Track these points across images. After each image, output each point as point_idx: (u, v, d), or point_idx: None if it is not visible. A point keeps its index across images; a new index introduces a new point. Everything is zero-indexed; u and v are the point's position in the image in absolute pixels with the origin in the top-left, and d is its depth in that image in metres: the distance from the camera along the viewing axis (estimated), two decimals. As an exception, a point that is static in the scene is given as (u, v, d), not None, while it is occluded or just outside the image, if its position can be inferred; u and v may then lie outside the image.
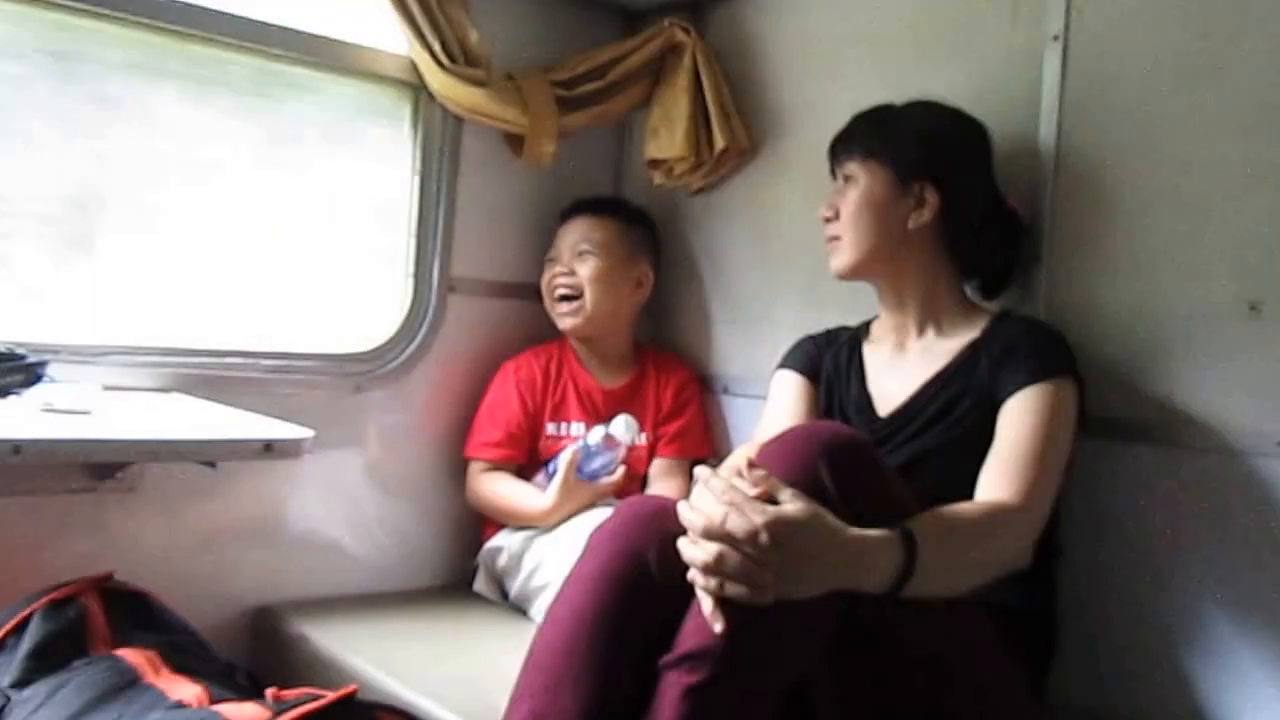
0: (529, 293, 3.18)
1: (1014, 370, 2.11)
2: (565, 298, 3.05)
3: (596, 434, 2.77)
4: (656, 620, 1.74)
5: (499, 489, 2.94)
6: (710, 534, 1.62)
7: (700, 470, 1.75)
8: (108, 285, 2.65)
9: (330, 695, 1.50)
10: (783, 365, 2.52)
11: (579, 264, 3.04)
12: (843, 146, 2.40)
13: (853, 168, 2.36)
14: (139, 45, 2.64)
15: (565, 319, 3.06)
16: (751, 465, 1.69)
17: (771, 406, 2.46)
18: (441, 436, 3.10)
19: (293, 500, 2.87)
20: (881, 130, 2.36)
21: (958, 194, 2.31)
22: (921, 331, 2.36)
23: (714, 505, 1.64)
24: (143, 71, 2.66)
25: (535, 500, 2.83)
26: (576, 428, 3.02)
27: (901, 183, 2.30)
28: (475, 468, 3.02)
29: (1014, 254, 2.40)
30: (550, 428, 3.04)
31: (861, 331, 2.49)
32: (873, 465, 1.79)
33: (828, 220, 2.40)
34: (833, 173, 2.44)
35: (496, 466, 3.00)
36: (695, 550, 1.64)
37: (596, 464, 2.76)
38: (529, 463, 3.02)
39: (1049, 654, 2.20)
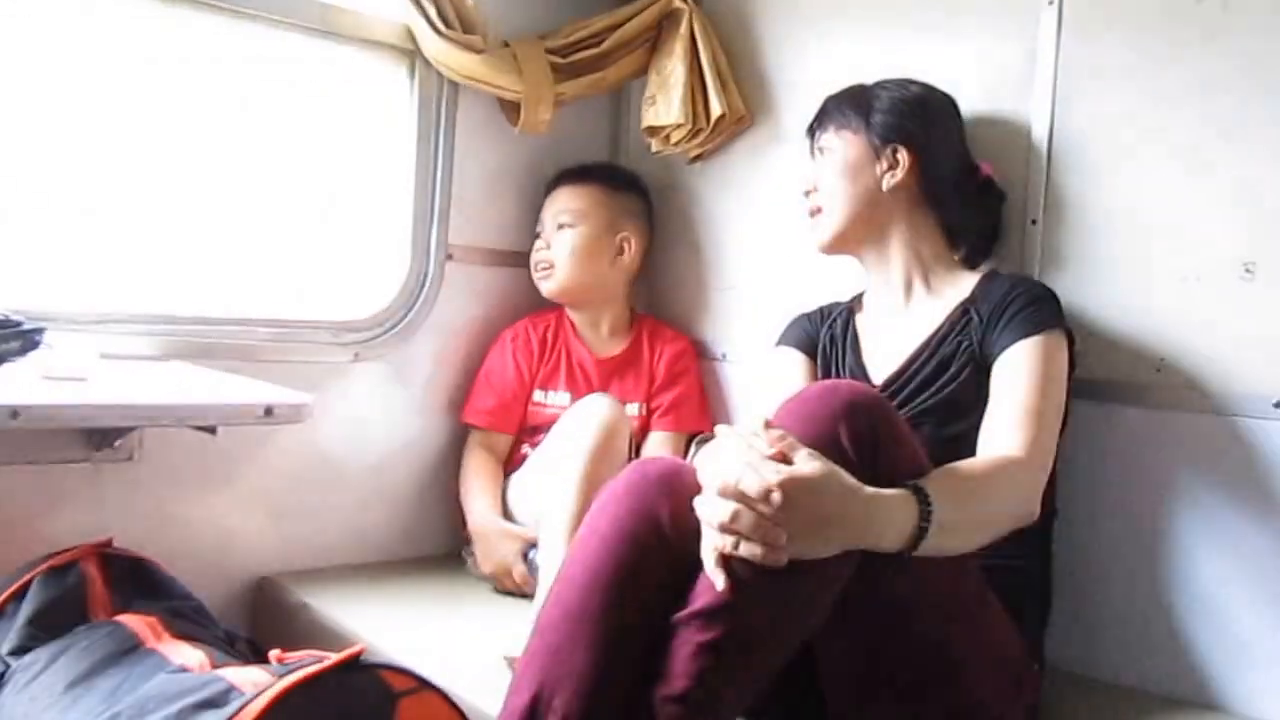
0: (527, 261, 3.17)
1: (1005, 327, 2.13)
2: (540, 265, 3.08)
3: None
4: (669, 578, 1.74)
5: (471, 483, 2.95)
6: (725, 492, 1.62)
7: (720, 428, 1.77)
8: (104, 251, 2.65)
9: (337, 657, 1.50)
10: (780, 343, 2.54)
11: (556, 236, 3.06)
12: (817, 124, 2.50)
13: (827, 139, 2.44)
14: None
15: (541, 284, 3.09)
16: (768, 425, 1.69)
17: (772, 384, 2.46)
18: (440, 405, 3.11)
19: (291, 469, 2.86)
20: (852, 103, 2.44)
21: (930, 154, 2.37)
22: (910, 295, 2.38)
23: (730, 463, 1.64)
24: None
25: (484, 516, 2.86)
26: (562, 397, 3.02)
27: (874, 147, 2.37)
28: (473, 438, 3.03)
29: (994, 219, 2.45)
30: (538, 394, 3.05)
31: (854, 304, 2.51)
32: (890, 424, 1.78)
33: (808, 194, 2.47)
34: (811, 155, 2.51)
35: (489, 435, 3.01)
36: (710, 508, 1.65)
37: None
38: (519, 430, 3.04)
39: (1044, 614, 2.21)
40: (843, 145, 2.40)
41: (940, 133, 2.41)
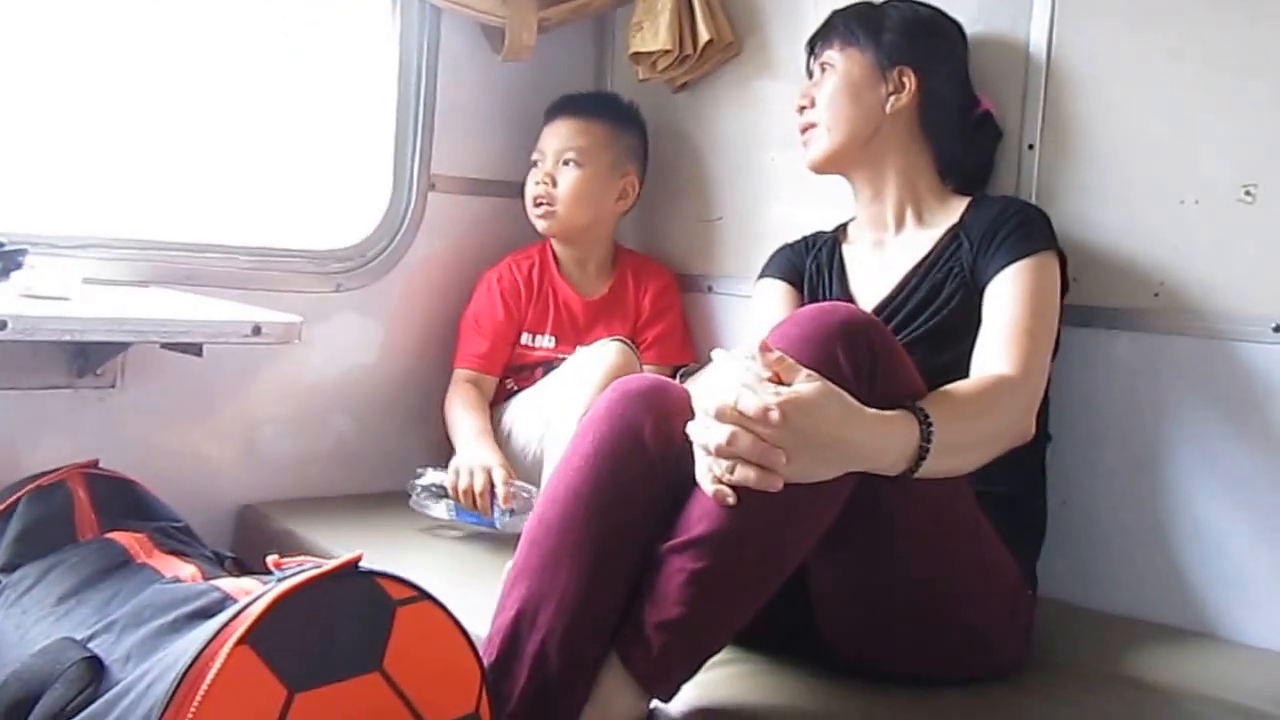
0: (510, 190, 3.14)
1: (997, 250, 2.12)
2: (541, 203, 3.00)
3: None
4: (654, 495, 1.73)
5: (458, 411, 2.91)
6: (722, 414, 1.59)
7: (716, 352, 1.74)
8: (85, 175, 2.63)
9: (334, 563, 1.48)
10: (764, 275, 2.51)
11: (560, 172, 2.98)
12: (821, 37, 2.42)
13: (831, 55, 2.37)
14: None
15: (539, 220, 3.02)
16: (765, 348, 1.65)
17: (760, 316, 2.43)
18: (424, 336, 3.10)
19: (274, 399, 2.86)
20: (861, 20, 2.37)
21: (936, 81, 2.33)
22: (900, 225, 2.36)
23: (726, 386, 1.61)
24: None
25: (476, 428, 2.83)
26: (548, 340, 3.02)
27: (880, 68, 2.32)
28: (459, 376, 2.99)
29: (986, 157, 2.42)
30: (525, 337, 3.03)
31: (839, 233, 2.48)
32: (888, 346, 1.76)
33: (803, 109, 2.41)
34: (808, 70, 2.47)
35: (477, 378, 2.99)
36: (705, 432, 1.63)
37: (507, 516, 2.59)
38: (506, 373, 3.03)
39: (1038, 541, 2.20)
40: (847, 62, 2.34)
41: (947, 60, 2.37)
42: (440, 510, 2.69)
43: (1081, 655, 2.07)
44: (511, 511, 2.54)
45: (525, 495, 2.54)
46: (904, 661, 1.90)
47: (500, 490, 2.56)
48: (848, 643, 1.92)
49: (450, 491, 2.65)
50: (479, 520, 2.61)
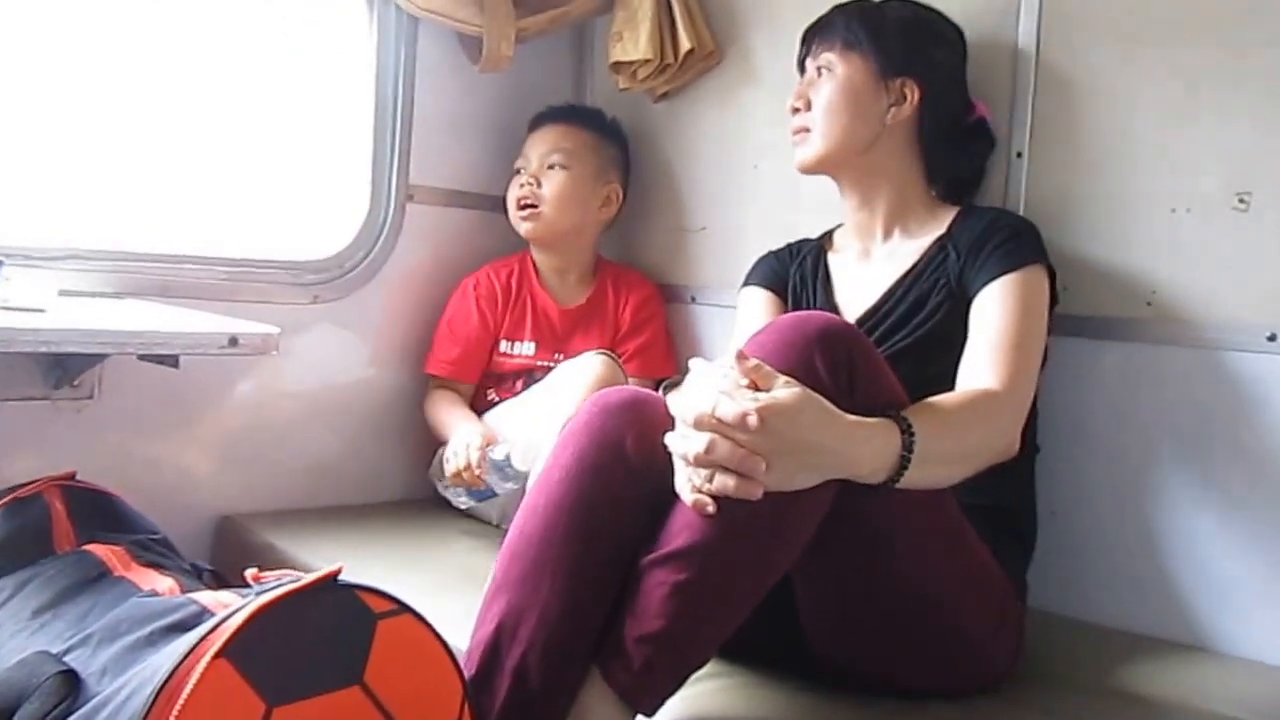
0: (489, 203, 3.15)
1: (985, 263, 2.10)
2: (526, 205, 2.99)
3: (503, 451, 2.60)
4: (635, 509, 1.71)
5: (440, 409, 2.93)
6: (701, 423, 1.58)
7: (694, 361, 1.73)
8: (61, 186, 2.61)
9: (313, 576, 1.46)
10: (748, 283, 2.49)
11: (546, 176, 2.99)
12: (820, 36, 2.35)
13: (830, 58, 2.31)
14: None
15: (523, 224, 3.01)
16: (742, 356, 1.64)
17: (742, 325, 2.42)
18: (401, 348, 3.09)
19: (251, 410, 2.85)
20: (864, 23, 2.30)
21: (937, 93, 2.29)
22: (888, 234, 2.33)
23: (704, 394, 1.60)
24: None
25: (463, 415, 2.86)
26: (527, 347, 3.00)
27: (882, 77, 2.27)
28: (435, 384, 3.01)
29: (982, 162, 2.39)
30: (504, 345, 3.02)
31: (825, 241, 2.47)
32: (867, 353, 1.74)
33: (796, 111, 2.35)
34: (801, 65, 2.40)
35: (451, 384, 2.99)
36: (684, 442, 1.61)
37: (495, 481, 2.61)
38: (482, 380, 3.03)
39: (1027, 553, 2.18)
40: (848, 69, 2.28)
41: (948, 68, 2.33)
42: (463, 498, 2.73)
43: (1070, 667, 2.05)
44: (503, 471, 2.55)
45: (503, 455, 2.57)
46: (891, 673, 1.89)
47: (473, 456, 2.59)
48: (834, 654, 1.90)
49: (450, 480, 2.67)
50: (484, 495, 2.67)
